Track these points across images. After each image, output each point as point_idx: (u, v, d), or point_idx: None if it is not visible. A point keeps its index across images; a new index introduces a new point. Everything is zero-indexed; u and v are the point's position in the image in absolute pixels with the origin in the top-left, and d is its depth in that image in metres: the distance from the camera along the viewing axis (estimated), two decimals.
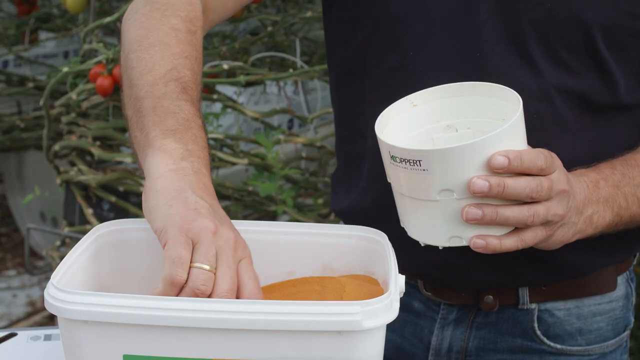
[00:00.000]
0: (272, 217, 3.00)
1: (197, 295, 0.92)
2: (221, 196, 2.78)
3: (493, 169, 1.03)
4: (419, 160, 1.03)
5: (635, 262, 1.42)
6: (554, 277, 1.33)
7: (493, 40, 1.21)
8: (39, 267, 4.32)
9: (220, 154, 2.74)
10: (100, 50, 2.72)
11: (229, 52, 3.18)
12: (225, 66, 2.82)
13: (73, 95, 2.73)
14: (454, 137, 1.13)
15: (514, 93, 1.09)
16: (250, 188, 2.77)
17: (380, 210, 1.27)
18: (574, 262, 1.30)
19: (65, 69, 2.74)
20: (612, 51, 1.22)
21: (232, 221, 1.06)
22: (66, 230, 2.84)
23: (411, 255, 1.15)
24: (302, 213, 2.80)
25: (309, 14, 3.34)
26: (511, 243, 1.08)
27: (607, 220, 1.18)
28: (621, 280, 1.39)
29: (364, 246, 1.15)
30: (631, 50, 1.24)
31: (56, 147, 2.84)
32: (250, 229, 1.14)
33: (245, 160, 2.74)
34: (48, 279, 0.98)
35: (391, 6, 1.25)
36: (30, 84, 3.97)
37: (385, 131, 1.12)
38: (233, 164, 2.76)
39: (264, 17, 3.34)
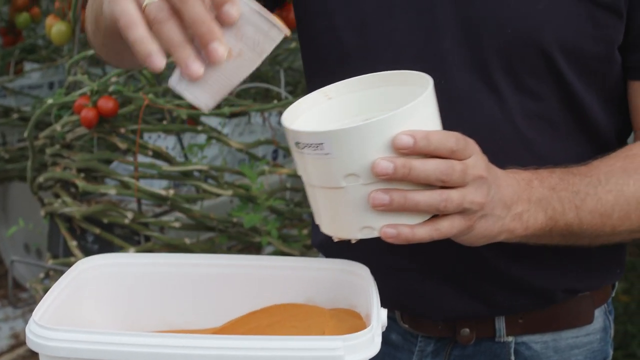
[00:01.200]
0: (257, 248, 3.00)
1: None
2: (206, 228, 2.78)
3: (397, 149, 0.96)
4: (321, 143, 0.97)
5: (613, 294, 1.42)
6: (529, 302, 1.32)
7: (457, 68, 1.22)
8: (23, 299, 4.30)
9: (204, 186, 2.75)
10: (85, 82, 2.72)
11: None
12: None
13: (57, 127, 2.73)
14: None
15: (425, 76, 1.03)
16: (235, 219, 2.77)
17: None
18: (546, 285, 1.30)
19: (50, 101, 2.75)
20: (580, 76, 1.22)
21: (214, 255, 1.07)
22: (50, 262, 2.83)
23: (387, 285, 1.13)
24: (287, 244, 2.79)
25: (293, 44, 3.36)
26: (425, 232, 1.01)
27: (539, 221, 1.11)
28: (599, 312, 1.38)
29: (346, 280, 1.15)
30: (605, 76, 1.24)
31: (40, 178, 2.84)
32: (233, 263, 1.15)
33: (230, 192, 2.74)
34: (32, 311, 0.98)
35: (359, 36, 1.27)
36: (15, 115, 3.97)
37: (296, 123, 1.06)
38: (217, 195, 2.76)
39: None
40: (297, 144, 1.00)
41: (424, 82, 1.03)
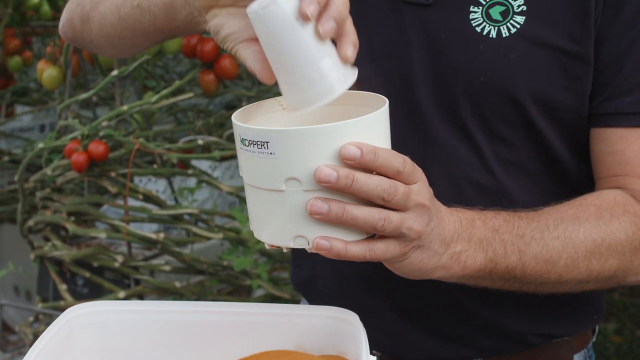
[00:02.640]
0: (248, 291, 3.00)
1: None
2: (196, 271, 2.77)
3: (343, 159, 0.94)
4: (266, 142, 0.95)
5: (594, 339, 1.42)
6: (504, 345, 1.32)
7: (432, 115, 1.23)
8: (12, 342, 4.26)
9: (195, 229, 2.75)
10: (76, 126, 2.73)
11: (204, 127, 3.20)
12: (200, 141, 2.85)
13: (48, 171, 2.74)
14: None
15: (382, 97, 1.03)
16: (225, 262, 2.77)
17: (332, 280, 1.29)
18: (518, 329, 1.30)
19: (41, 145, 2.76)
20: (552, 125, 1.23)
21: (204, 302, 1.07)
22: (40, 306, 2.82)
23: (367, 325, 1.10)
24: (278, 287, 2.79)
25: None
26: (358, 250, 0.98)
27: (478, 262, 1.09)
28: (578, 357, 1.37)
29: (336, 326, 1.15)
30: (577, 125, 1.24)
31: (31, 221, 2.84)
32: (223, 310, 1.15)
33: (220, 235, 2.75)
34: (21, 354, 0.98)
35: None
36: (6, 158, 3.97)
37: (247, 124, 1.03)
38: (208, 238, 2.76)
39: (240, 93, 3.38)
40: (242, 140, 0.99)
41: (380, 104, 1.02)
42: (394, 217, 0.98)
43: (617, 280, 1.20)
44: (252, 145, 0.97)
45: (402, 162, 0.98)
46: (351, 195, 0.97)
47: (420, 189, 1.00)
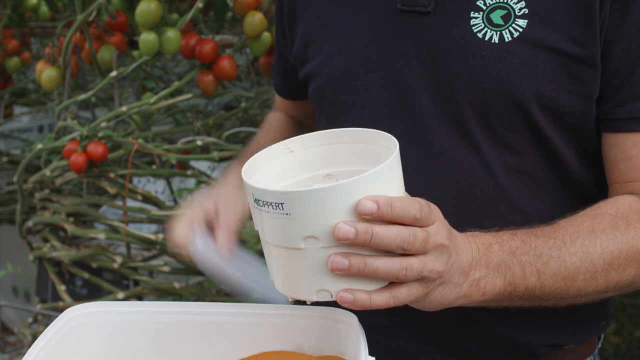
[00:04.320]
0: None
1: None
2: (195, 272, 2.77)
3: (360, 215, 0.94)
4: (282, 203, 0.95)
5: (600, 345, 1.42)
6: (511, 358, 1.32)
7: (435, 124, 1.22)
8: (11, 343, 4.26)
9: None
10: (75, 127, 2.73)
11: (203, 128, 3.20)
12: (199, 142, 2.84)
13: (47, 172, 2.73)
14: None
15: (392, 138, 1.02)
16: None
17: None
18: (530, 342, 1.30)
19: (40, 146, 2.75)
20: (558, 131, 1.22)
21: (203, 303, 1.07)
22: (38, 307, 2.81)
23: (371, 341, 1.11)
24: None
25: None
26: (382, 299, 0.99)
27: (497, 287, 1.10)
28: None
29: (334, 327, 1.16)
30: (583, 130, 1.23)
31: (29, 222, 2.83)
32: (222, 311, 1.15)
33: None
34: (20, 355, 0.98)
35: (339, 96, 1.29)
36: (4, 159, 3.97)
37: (255, 176, 1.05)
38: None
39: (238, 94, 3.38)
40: (256, 200, 0.98)
41: (390, 144, 1.02)
42: (414, 264, 0.98)
43: (637, 286, 1.20)
44: (266, 206, 0.97)
45: (418, 208, 0.98)
46: (371, 247, 0.97)
47: (439, 229, 1.01)
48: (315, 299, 1.01)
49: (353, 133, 1.07)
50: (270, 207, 0.96)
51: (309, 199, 0.94)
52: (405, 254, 0.98)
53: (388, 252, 0.98)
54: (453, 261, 1.03)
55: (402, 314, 1.28)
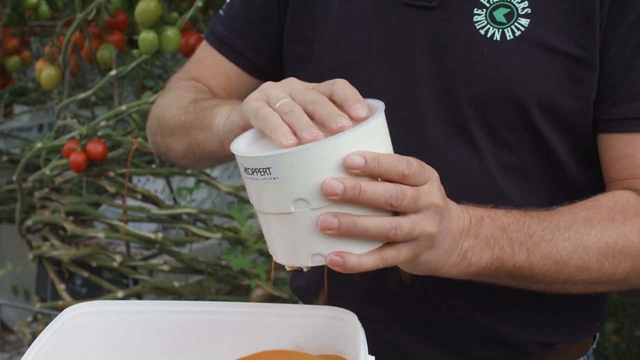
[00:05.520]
0: (246, 291, 2.99)
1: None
2: (194, 271, 2.77)
3: (348, 169, 0.93)
4: (268, 168, 0.94)
5: (594, 346, 1.42)
6: (502, 354, 1.31)
7: (433, 117, 1.23)
8: (11, 342, 4.26)
9: (193, 229, 2.75)
10: (74, 126, 2.73)
11: None
12: None
13: (46, 171, 2.74)
14: None
15: (379, 102, 1.02)
16: (224, 262, 2.77)
17: (331, 287, 1.29)
18: (518, 338, 1.30)
19: (39, 145, 2.75)
20: (556, 131, 1.22)
21: (203, 302, 1.07)
22: (38, 305, 2.81)
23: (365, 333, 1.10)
24: (276, 287, 2.79)
25: None
26: (371, 261, 0.98)
27: (484, 260, 1.09)
28: None
29: (334, 326, 1.15)
30: (581, 132, 1.24)
31: (29, 221, 2.84)
32: (222, 310, 1.15)
33: (219, 235, 2.74)
34: (20, 354, 0.98)
35: None
36: (4, 157, 3.97)
37: (249, 150, 1.04)
38: (206, 238, 2.76)
39: None
40: (245, 169, 0.98)
41: (377, 108, 1.01)
42: (405, 223, 0.97)
43: (632, 282, 1.20)
44: (255, 173, 0.96)
45: (406, 164, 0.97)
46: (360, 207, 0.96)
47: (431, 188, 0.99)
48: (310, 264, 1.00)
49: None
50: (258, 173, 0.96)
51: (295, 159, 0.94)
52: (396, 213, 0.98)
53: (379, 212, 0.97)
54: (445, 224, 1.03)
55: (394, 306, 1.29)
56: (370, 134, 0.97)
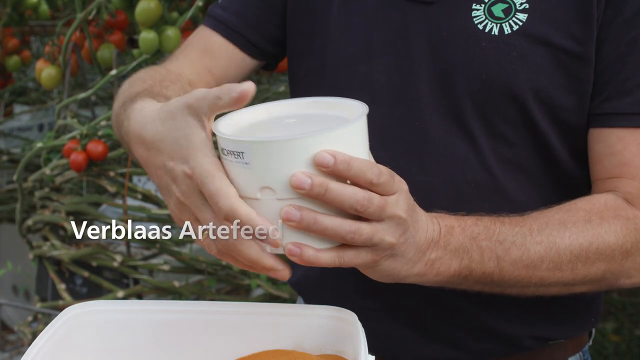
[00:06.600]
0: (246, 290, 2.99)
1: None
2: (195, 270, 2.77)
3: (317, 166, 0.94)
4: (242, 152, 0.95)
5: (590, 342, 1.42)
6: (496, 348, 1.32)
7: (432, 111, 1.24)
8: (11, 341, 4.26)
9: None
10: (75, 126, 2.73)
11: None
12: None
13: (47, 171, 2.74)
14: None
15: (364, 106, 1.01)
16: (224, 262, 2.77)
17: (327, 279, 1.29)
18: (512, 332, 1.30)
19: (39, 144, 2.76)
20: (553, 126, 1.23)
21: (203, 302, 1.07)
22: (38, 305, 2.81)
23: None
24: (276, 286, 2.79)
25: (282, 88, 3.37)
26: (328, 258, 0.99)
27: (451, 269, 1.09)
28: None
29: (334, 326, 1.15)
30: (578, 128, 1.24)
31: (29, 221, 2.84)
32: (222, 309, 1.15)
33: None
34: (20, 353, 0.98)
35: (339, 78, 1.29)
36: (4, 157, 3.97)
37: (230, 131, 1.03)
38: None
39: None
40: (222, 149, 0.99)
41: (359, 112, 1.01)
42: (365, 229, 0.98)
43: (609, 282, 1.19)
44: (230, 155, 0.97)
45: (377, 173, 0.97)
46: (326, 206, 0.97)
47: (398, 200, 1.00)
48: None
49: (329, 102, 1.07)
50: (233, 156, 0.97)
51: (267, 149, 0.95)
52: (359, 218, 0.98)
53: (343, 213, 0.97)
54: (409, 236, 1.03)
55: (388, 298, 1.29)
56: (347, 136, 0.97)
